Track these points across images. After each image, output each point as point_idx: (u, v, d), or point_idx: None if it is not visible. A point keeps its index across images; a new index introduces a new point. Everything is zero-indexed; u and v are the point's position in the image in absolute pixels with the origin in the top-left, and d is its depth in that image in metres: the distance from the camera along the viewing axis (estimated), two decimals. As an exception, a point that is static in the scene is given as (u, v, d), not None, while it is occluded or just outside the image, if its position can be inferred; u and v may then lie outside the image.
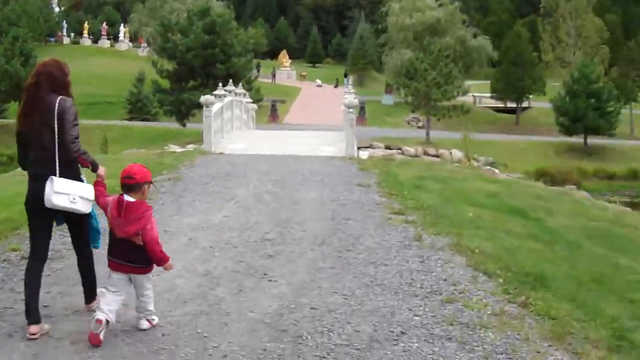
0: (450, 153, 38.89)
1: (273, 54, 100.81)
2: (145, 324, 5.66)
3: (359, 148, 22.68)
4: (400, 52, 63.84)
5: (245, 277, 7.05)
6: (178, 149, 24.32)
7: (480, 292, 6.79)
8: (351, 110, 20.97)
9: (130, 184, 5.48)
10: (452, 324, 5.87)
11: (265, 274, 7.17)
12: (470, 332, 5.73)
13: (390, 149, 38.29)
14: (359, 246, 8.48)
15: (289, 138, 25.41)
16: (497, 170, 21.77)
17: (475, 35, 67.72)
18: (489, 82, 64.34)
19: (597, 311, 6.62)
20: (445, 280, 7.14)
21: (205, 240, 8.54)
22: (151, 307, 5.69)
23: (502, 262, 7.99)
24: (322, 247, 8.38)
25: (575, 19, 67.10)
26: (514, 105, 61.64)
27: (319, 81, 79.36)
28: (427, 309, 6.22)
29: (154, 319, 5.72)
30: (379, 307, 6.25)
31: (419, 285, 6.93)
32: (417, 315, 6.07)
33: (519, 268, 7.77)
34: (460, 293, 6.72)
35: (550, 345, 5.59)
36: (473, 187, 15.55)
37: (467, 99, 55.39)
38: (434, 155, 38.68)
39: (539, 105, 62.67)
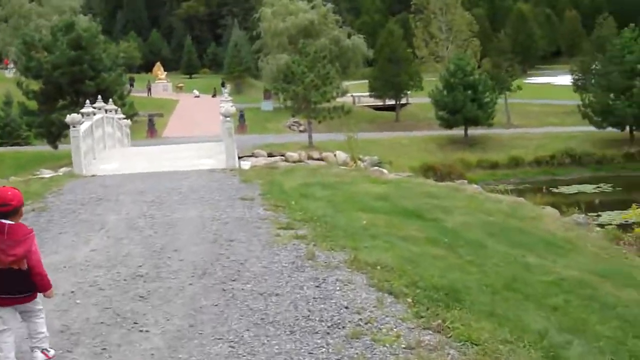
0: (335, 155, 38.24)
1: (148, 67, 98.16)
2: (40, 357, 5.30)
3: (240, 158, 21.61)
4: (276, 57, 63.08)
5: (111, 330, 5.86)
6: (49, 174, 22.65)
7: (389, 318, 5.87)
8: (228, 118, 19.87)
9: (8, 211, 5.15)
10: (362, 368, 4.94)
11: (135, 323, 6.00)
12: (386, 376, 4.81)
13: (272, 156, 37.31)
14: (245, 273, 7.42)
15: (167, 153, 24.08)
16: (385, 170, 21.16)
17: (349, 35, 67.71)
18: (366, 81, 64.38)
19: (522, 327, 5.84)
20: (347, 307, 6.18)
21: (66, 284, 7.27)
22: (44, 329, 5.39)
23: (406, 276, 7.14)
24: (203, 279, 7.27)
25: (446, 14, 68.13)
26: (392, 102, 61.85)
27: (196, 92, 77.59)
28: (330, 350, 5.24)
29: (49, 351, 5.34)
30: (274, 354, 5.21)
31: (317, 318, 5.93)
32: (319, 361, 5.10)
33: (427, 282, 6.94)
34: (366, 323, 5.77)
35: (479, 381, 4.75)
36: (363, 191, 14.81)
37: (347, 99, 55.16)
38: (318, 159, 37.92)
39: (417, 100, 63.12)
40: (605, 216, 28.23)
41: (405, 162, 39.10)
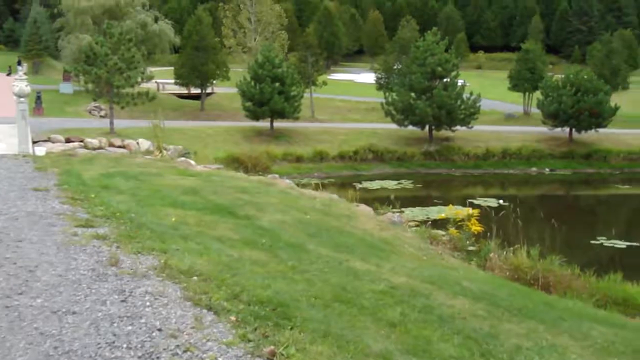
0: (138, 143, 36.52)
1: None
2: None
3: (34, 143, 19.82)
4: (78, 36, 59.76)
5: None
6: None
7: (212, 344, 4.94)
8: (23, 99, 18.09)
9: None
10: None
11: None
12: None
13: (71, 142, 35.00)
14: (35, 284, 6.17)
15: (-50, 134, 21.73)
16: (192, 162, 20.10)
17: (156, 20, 65.52)
18: (172, 68, 62.61)
19: (363, 349, 5.13)
20: (160, 330, 5.16)
21: None
22: None
23: (226, 287, 6.26)
24: (-18, 292, 6.00)
25: (255, 5, 67.54)
26: (198, 91, 60.58)
27: (-12, 70, 72.53)
28: (143, 393, 4.26)
29: None
30: (69, 399, 4.18)
31: (125, 345, 4.87)
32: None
33: (250, 294, 6.08)
34: (185, 351, 4.79)
35: None
36: (170, 183, 13.80)
37: (151, 85, 53.23)
38: (119, 147, 36.04)
39: (223, 90, 62.32)
40: (408, 212, 28.70)
41: (211, 153, 38.07)
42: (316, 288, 6.86)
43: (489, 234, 13.65)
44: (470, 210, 14.24)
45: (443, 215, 14.96)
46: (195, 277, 6.45)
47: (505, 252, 12.74)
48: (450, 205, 16.56)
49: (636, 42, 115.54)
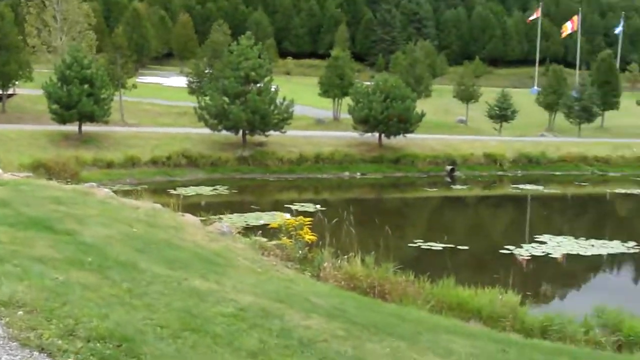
0: None
1: None
2: None
3: None
4: None
5: None
6: None
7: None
8: None
9: None
10: None
11: None
12: None
13: None
14: None
15: None
16: (0, 170, 18.49)
17: (-51, 15, 60.89)
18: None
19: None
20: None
21: None
22: None
23: (57, 320, 5.41)
24: None
25: (61, 3, 64.37)
26: (-1, 92, 56.93)
27: None
28: None
29: None
30: None
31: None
32: None
33: (87, 328, 5.27)
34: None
35: None
36: (-25, 195, 12.46)
37: (-55, 85, 49.43)
38: None
39: (26, 92, 59.00)
40: (227, 219, 28.16)
41: (15, 158, 35.80)
42: (160, 315, 6.14)
43: (320, 242, 13.37)
44: (303, 219, 13.89)
45: (275, 224, 14.50)
46: (20, 311, 5.53)
47: (339, 261, 12.49)
48: (281, 213, 16.19)
49: (435, 53, 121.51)
